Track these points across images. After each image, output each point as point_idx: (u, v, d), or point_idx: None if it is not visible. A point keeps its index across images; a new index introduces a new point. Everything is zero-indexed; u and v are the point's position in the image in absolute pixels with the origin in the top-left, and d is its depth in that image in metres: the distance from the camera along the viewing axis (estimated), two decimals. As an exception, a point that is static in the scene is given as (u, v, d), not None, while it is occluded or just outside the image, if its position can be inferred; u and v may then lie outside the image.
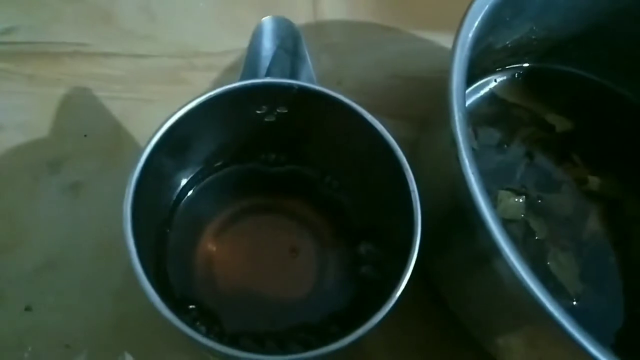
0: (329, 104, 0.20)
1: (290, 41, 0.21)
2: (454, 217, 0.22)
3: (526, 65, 0.32)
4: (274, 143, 0.23)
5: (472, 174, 0.18)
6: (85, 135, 0.29)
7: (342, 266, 0.23)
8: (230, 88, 0.18)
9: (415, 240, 0.17)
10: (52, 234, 0.27)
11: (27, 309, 0.25)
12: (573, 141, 0.31)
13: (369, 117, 0.19)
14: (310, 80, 0.20)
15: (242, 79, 0.20)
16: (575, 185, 0.30)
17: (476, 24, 0.21)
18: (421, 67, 0.34)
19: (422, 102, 0.32)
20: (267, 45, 0.21)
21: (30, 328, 0.24)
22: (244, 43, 0.33)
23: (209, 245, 0.24)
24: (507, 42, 0.29)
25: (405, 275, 0.16)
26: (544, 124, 0.31)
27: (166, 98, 0.31)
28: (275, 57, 0.21)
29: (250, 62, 0.20)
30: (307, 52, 0.21)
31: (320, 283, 0.23)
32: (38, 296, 0.25)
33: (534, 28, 0.29)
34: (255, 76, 0.21)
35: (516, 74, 0.32)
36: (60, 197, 0.27)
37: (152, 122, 0.29)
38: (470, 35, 0.21)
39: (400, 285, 0.16)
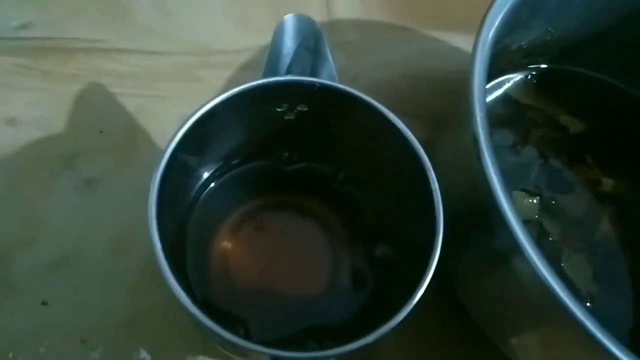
0: (350, 103, 0.20)
1: (311, 39, 0.21)
2: (471, 216, 0.22)
3: (540, 66, 0.32)
4: (293, 141, 0.23)
5: (495, 174, 0.18)
6: (100, 132, 0.29)
7: (357, 266, 0.23)
8: (253, 85, 0.18)
9: (437, 242, 0.17)
10: (68, 229, 0.27)
11: (44, 303, 0.25)
12: (586, 142, 0.31)
13: (390, 115, 0.19)
14: (332, 79, 0.20)
15: (264, 76, 0.20)
16: (589, 187, 0.30)
17: (496, 24, 0.21)
18: (434, 67, 0.34)
19: (436, 102, 0.33)
20: (289, 43, 0.21)
21: (46, 323, 0.25)
22: (258, 41, 0.34)
23: (224, 243, 0.24)
24: (523, 43, 0.29)
25: (426, 277, 0.17)
26: (558, 125, 0.31)
27: (180, 95, 0.31)
28: (296, 55, 0.21)
29: (271, 60, 0.20)
30: (328, 51, 0.21)
31: (335, 282, 0.23)
32: (54, 291, 0.25)
33: (550, 29, 0.29)
34: (276, 74, 0.21)
35: (530, 75, 0.32)
36: (76, 193, 0.28)
37: (166, 119, 0.30)
38: (490, 35, 0.21)
39: (421, 288, 0.16)
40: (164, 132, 0.29)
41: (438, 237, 0.17)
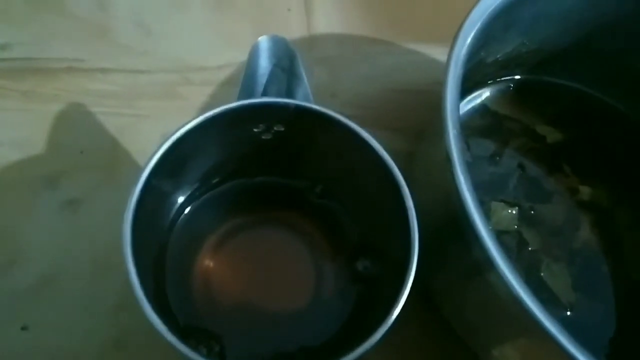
0: (325, 122, 0.20)
1: (286, 60, 0.21)
2: (448, 230, 0.23)
3: (517, 77, 0.33)
4: (270, 159, 0.23)
5: (467, 190, 0.18)
6: (81, 152, 0.29)
7: (339, 282, 0.23)
8: (228, 108, 0.19)
9: (412, 259, 0.17)
10: (49, 250, 0.27)
11: (24, 328, 0.25)
12: (563, 152, 0.31)
13: (364, 134, 0.19)
14: (307, 99, 0.21)
15: (239, 98, 0.20)
16: (567, 195, 0.30)
17: (469, 40, 0.22)
18: (414, 79, 0.35)
19: (416, 114, 0.33)
20: (264, 64, 0.21)
21: (28, 348, 0.24)
22: (239, 57, 0.34)
23: (206, 262, 0.24)
24: (498, 56, 0.30)
25: (403, 293, 0.17)
26: (535, 135, 0.32)
27: (162, 113, 0.31)
28: (271, 76, 0.21)
29: (247, 81, 0.20)
30: (303, 71, 0.21)
31: (318, 298, 0.23)
32: (35, 315, 0.25)
33: (525, 41, 0.29)
34: (252, 95, 0.21)
35: (507, 86, 0.33)
36: (57, 214, 0.28)
37: (148, 137, 0.30)
38: (463, 52, 0.21)
39: (397, 306, 0.17)
40: (146, 150, 0.29)
41: (413, 256, 0.17)
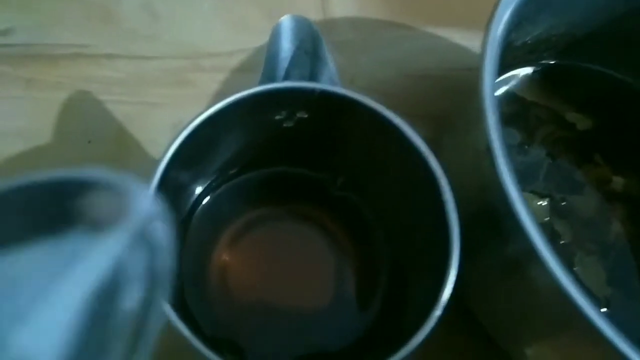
0: (353, 108, 0.18)
1: (309, 42, 0.19)
2: (481, 222, 0.21)
3: (545, 62, 0.31)
4: (291, 148, 0.22)
5: (510, 182, 0.17)
6: (89, 141, 0.28)
7: (363, 282, 0.22)
8: (250, 93, 0.17)
9: (452, 259, 0.16)
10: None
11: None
12: (594, 140, 0.30)
13: (396, 120, 0.18)
14: (333, 83, 0.19)
15: (261, 82, 0.19)
16: (599, 186, 0.29)
17: (504, 19, 0.20)
18: (434, 64, 0.33)
19: (437, 100, 0.31)
20: (286, 47, 0.19)
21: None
22: (251, 42, 0.32)
23: (223, 257, 0.23)
24: (528, 39, 0.28)
25: (442, 297, 0.15)
26: (564, 122, 0.30)
27: (172, 101, 0.29)
28: (294, 59, 0.19)
29: (268, 64, 0.19)
30: (328, 54, 0.19)
31: (339, 299, 0.22)
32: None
33: (556, 24, 0.28)
34: (274, 80, 0.19)
35: (535, 72, 0.31)
36: (64, 208, 0.26)
37: (158, 127, 0.29)
38: (499, 32, 0.20)
39: (432, 315, 0.15)
40: (156, 140, 0.28)
41: (453, 255, 0.16)
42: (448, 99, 0.30)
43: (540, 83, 0.31)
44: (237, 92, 0.17)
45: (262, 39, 0.32)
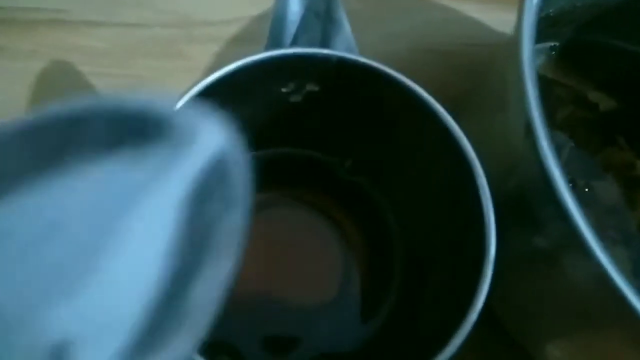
0: (373, 80, 0.16)
1: (321, 2, 0.17)
2: (508, 211, 0.19)
3: (566, 37, 0.29)
4: (298, 126, 0.19)
5: (555, 166, 0.15)
6: (68, 118, 0.25)
7: (372, 279, 0.20)
8: (254, 60, 0.15)
9: (488, 256, 0.14)
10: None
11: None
12: (617, 122, 0.28)
13: (425, 96, 0.15)
14: (350, 50, 0.17)
15: (267, 49, 0.16)
16: (622, 171, 0.27)
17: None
18: (444, 38, 0.31)
19: (448, 76, 0.29)
20: (294, 8, 0.17)
21: None
22: (249, 10, 0.29)
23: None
24: (551, 10, 0.26)
25: (480, 294, 0.13)
26: (586, 102, 0.28)
27: (161, 75, 0.27)
28: (303, 23, 0.17)
29: (274, 28, 0.16)
30: (344, 16, 0.17)
31: (344, 297, 0.20)
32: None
33: (582, -7, 0.25)
34: (280, 46, 0.17)
35: (554, 48, 0.29)
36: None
37: (146, 102, 0.26)
38: (536, -2, 0.17)
39: (475, 308, 0.13)
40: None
41: (489, 252, 0.14)
42: (464, 75, 0.28)
43: (560, 60, 0.29)
44: (249, 55, 0.15)
45: (262, 7, 0.29)
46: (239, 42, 0.28)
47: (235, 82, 0.15)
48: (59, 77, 0.26)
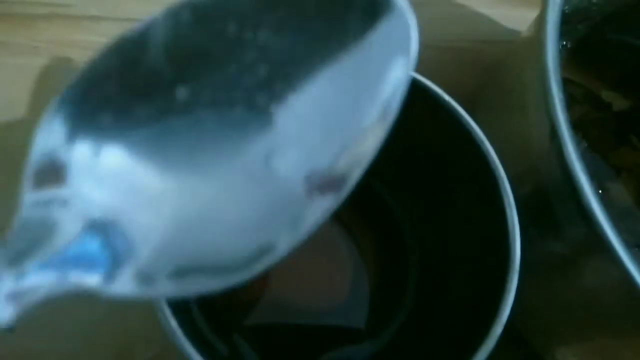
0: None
1: None
2: (526, 213, 0.19)
3: (578, 35, 0.28)
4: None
5: (582, 172, 0.14)
6: (70, 116, 0.24)
7: (382, 285, 0.19)
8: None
9: (514, 258, 0.13)
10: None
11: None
12: (631, 121, 0.27)
13: (448, 99, 0.15)
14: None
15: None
16: (636, 172, 0.26)
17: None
18: (455, 35, 0.30)
19: (461, 75, 0.29)
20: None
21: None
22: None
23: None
24: (565, 7, 0.25)
25: (505, 307, 0.13)
26: (600, 102, 0.27)
27: (165, 70, 0.26)
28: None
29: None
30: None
31: (354, 302, 0.20)
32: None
33: (599, -10, 0.25)
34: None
35: (568, 45, 0.28)
36: (43, 190, 0.23)
37: (150, 99, 0.25)
38: (559, -6, 0.17)
39: (500, 321, 0.13)
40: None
41: (514, 260, 0.13)
42: (475, 73, 0.28)
43: (574, 58, 0.28)
44: None
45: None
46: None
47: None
48: (60, 74, 0.25)
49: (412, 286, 0.19)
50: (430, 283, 0.18)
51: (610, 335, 0.19)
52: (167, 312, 0.12)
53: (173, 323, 0.12)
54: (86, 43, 0.26)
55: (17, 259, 0.09)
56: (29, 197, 0.10)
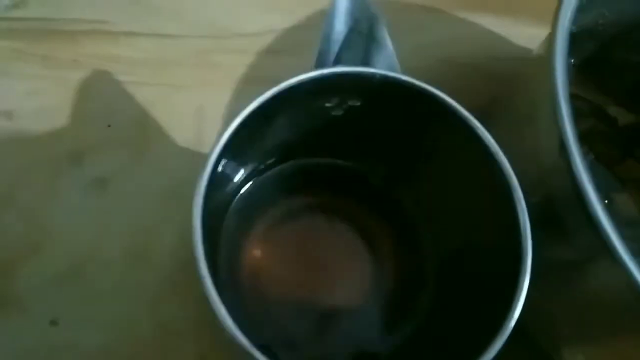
0: (414, 98, 0.17)
1: (364, 22, 0.18)
2: (536, 220, 0.20)
3: (586, 53, 0.30)
4: (337, 138, 0.20)
5: (589, 183, 0.16)
6: (108, 125, 0.26)
7: (403, 289, 0.21)
8: (309, 78, 0.16)
9: (525, 261, 0.15)
10: (76, 236, 0.24)
11: (53, 323, 0.22)
12: (636, 135, 0.29)
13: (469, 118, 0.16)
14: (392, 69, 0.18)
15: (316, 66, 0.17)
16: (640, 184, 0.28)
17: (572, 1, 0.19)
18: (468, 52, 0.32)
19: (472, 91, 0.30)
20: (339, 28, 0.18)
21: (59, 345, 0.22)
22: (280, 23, 0.30)
23: (255, 251, 0.22)
24: (573, 27, 0.27)
25: (516, 307, 0.14)
26: (606, 116, 0.29)
27: (195, 84, 0.28)
28: (346, 41, 0.18)
29: (323, 47, 0.17)
30: (387, 36, 0.18)
31: (372, 302, 0.21)
32: (63, 307, 0.23)
33: (605, 12, 0.26)
34: (324, 63, 0.18)
35: (575, 61, 0.30)
36: (84, 194, 0.25)
37: (182, 111, 0.27)
38: (568, 15, 0.18)
39: (509, 322, 0.14)
40: (179, 124, 0.27)
41: (525, 262, 0.15)
42: (489, 87, 0.29)
43: (581, 75, 0.29)
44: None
45: (293, 20, 0.30)
46: (270, 54, 0.29)
47: (288, 97, 0.16)
48: (99, 86, 0.27)
49: (430, 287, 0.20)
50: (447, 284, 0.19)
51: (617, 335, 0.20)
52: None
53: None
54: (123, 57, 0.27)
55: None
56: None
